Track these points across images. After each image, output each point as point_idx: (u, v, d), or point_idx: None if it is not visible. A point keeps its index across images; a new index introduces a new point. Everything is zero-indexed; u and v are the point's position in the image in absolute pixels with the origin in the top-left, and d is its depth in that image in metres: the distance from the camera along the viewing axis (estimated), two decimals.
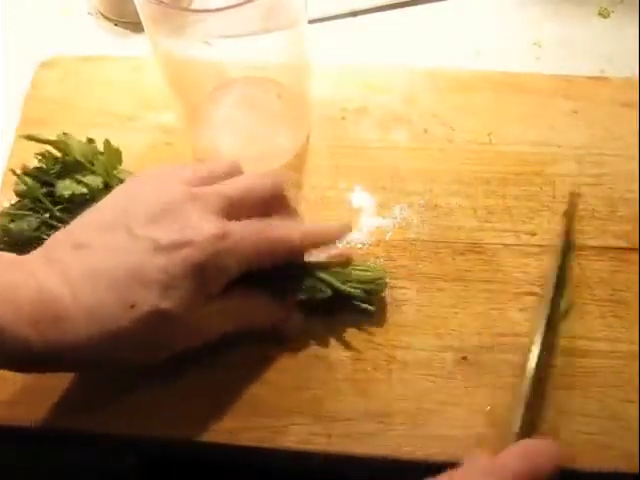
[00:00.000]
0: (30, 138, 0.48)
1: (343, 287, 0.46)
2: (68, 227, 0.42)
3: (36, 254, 0.41)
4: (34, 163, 0.54)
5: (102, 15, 0.65)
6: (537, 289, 0.49)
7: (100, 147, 0.51)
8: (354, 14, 0.65)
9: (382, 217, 0.52)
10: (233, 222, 0.41)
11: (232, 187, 0.43)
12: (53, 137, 0.49)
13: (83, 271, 0.39)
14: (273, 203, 0.45)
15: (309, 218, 0.52)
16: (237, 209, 0.43)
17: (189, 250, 0.39)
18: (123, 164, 0.54)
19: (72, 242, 0.40)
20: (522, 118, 0.56)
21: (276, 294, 0.46)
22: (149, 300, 0.39)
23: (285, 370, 0.47)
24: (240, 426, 0.45)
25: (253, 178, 0.45)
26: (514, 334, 0.48)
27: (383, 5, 0.65)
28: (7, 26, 0.65)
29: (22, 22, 0.65)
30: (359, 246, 0.51)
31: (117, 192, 0.44)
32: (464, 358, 0.47)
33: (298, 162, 0.55)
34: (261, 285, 0.45)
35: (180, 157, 0.55)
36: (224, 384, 0.46)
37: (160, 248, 0.39)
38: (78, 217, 0.42)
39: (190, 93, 0.53)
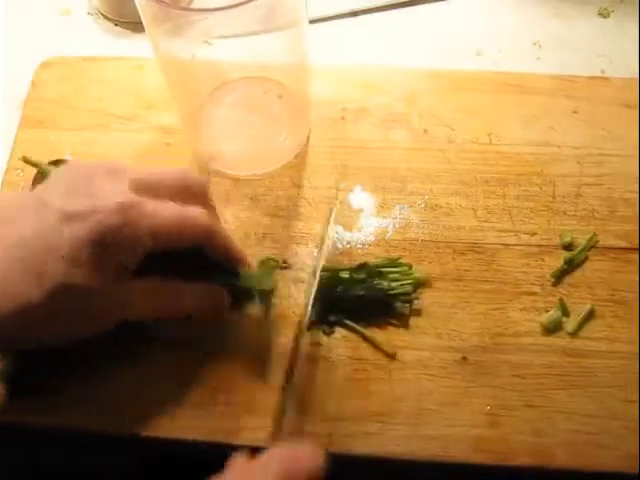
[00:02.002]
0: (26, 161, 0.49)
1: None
2: None
3: None
4: None
5: (102, 15, 0.65)
6: (537, 289, 0.49)
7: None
8: (354, 14, 0.65)
9: (382, 217, 0.52)
10: (145, 198, 0.41)
11: (147, 169, 0.44)
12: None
13: (0, 246, 0.39)
14: (193, 199, 0.44)
15: (309, 218, 0.52)
16: (153, 192, 0.42)
17: (94, 218, 0.39)
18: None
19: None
20: (522, 118, 0.56)
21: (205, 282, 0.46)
22: (57, 271, 0.38)
23: (285, 370, 0.47)
24: (240, 426, 0.45)
25: (168, 168, 0.45)
26: (514, 334, 0.48)
27: (383, 5, 0.65)
28: (7, 26, 0.65)
29: (22, 22, 0.65)
30: (359, 246, 0.51)
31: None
32: (464, 358, 0.47)
33: (298, 162, 0.55)
34: (191, 275, 0.45)
35: (180, 157, 0.55)
36: (224, 384, 0.46)
37: (67, 218, 0.39)
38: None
39: (190, 93, 0.53)
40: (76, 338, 0.42)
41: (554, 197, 0.53)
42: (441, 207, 0.53)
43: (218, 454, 0.45)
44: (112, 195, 0.40)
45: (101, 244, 0.39)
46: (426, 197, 0.53)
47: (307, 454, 0.38)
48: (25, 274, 0.39)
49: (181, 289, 0.44)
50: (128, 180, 0.41)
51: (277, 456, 0.38)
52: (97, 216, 0.39)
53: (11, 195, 0.43)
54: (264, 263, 0.48)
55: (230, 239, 0.46)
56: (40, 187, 0.43)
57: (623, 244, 0.51)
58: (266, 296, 0.47)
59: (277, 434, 0.44)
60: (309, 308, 0.46)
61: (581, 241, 0.51)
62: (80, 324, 0.42)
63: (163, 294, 0.44)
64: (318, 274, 0.47)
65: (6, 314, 0.38)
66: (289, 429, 0.45)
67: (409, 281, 0.49)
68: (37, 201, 0.40)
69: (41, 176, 0.49)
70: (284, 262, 0.50)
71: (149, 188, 0.42)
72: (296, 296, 0.49)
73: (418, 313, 0.49)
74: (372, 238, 0.51)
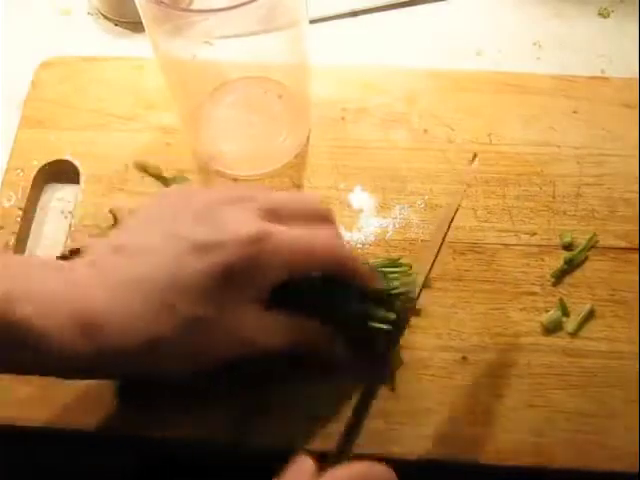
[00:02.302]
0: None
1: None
2: (111, 232, 0.41)
3: (80, 260, 0.40)
4: (34, 163, 0.54)
5: (102, 15, 0.65)
6: (537, 289, 0.49)
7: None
8: (354, 14, 0.65)
9: (382, 217, 0.52)
10: (275, 225, 0.40)
11: (276, 194, 0.43)
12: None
13: (121, 275, 0.38)
14: (318, 221, 0.43)
15: None
16: (282, 218, 0.41)
17: (223, 251, 0.38)
18: (123, 164, 0.55)
19: (113, 246, 0.39)
20: (522, 118, 0.56)
21: (326, 321, 0.44)
22: (186, 304, 0.37)
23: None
24: (244, 427, 0.45)
25: (296, 191, 0.45)
26: (514, 334, 0.48)
27: (383, 5, 0.65)
28: (7, 26, 0.65)
29: (22, 22, 0.65)
30: (359, 246, 0.51)
31: (157, 198, 0.43)
32: (464, 358, 0.47)
33: (298, 162, 0.55)
34: (312, 310, 0.43)
35: (180, 157, 0.55)
36: (224, 384, 0.46)
37: (197, 249, 0.38)
38: (121, 223, 0.41)
39: (190, 93, 0.53)
40: (192, 371, 0.40)
41: (554, 197, 0.53)
42: (441, 207, 0.53)
43: (217, 454, 0.45)
44: (242, 225, 0.39)
45: (233, 277, 0.38)
46: (426, 197, 0.53)
47: (379, 472, 0.37)
48: (155, 306, 0.37)
49: (307, 327, 0.43)
50: (256, 208, 0.40)
51: (347, 474, 0.36)
52: (228, 248, 0.38)
53: (139, 222, 0.41)
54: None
55: (358, 261, 0.44)
56: (148, 208, 0.42)
57: (623, 244, 0.51)
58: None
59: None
60: None
61: (581, 241, 0.51)
62: (203, 358, 0.40)
63: (288, 331, 0.42)
64: None
65: (135, 346, 0.37)
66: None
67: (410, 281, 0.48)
68: (166, 230, 0.39)
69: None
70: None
71: (276, 214, 0.41)
72: None
73: (418, 313, 0.49)
74: (372, 238, 0.52)
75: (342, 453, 0.41)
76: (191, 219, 0.40)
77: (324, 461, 0.38)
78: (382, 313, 0.45)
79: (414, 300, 0.47)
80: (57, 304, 0.37)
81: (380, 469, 0.37)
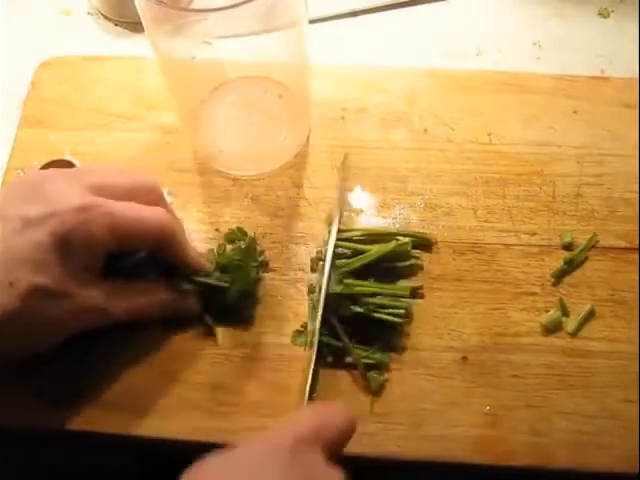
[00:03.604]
0: None
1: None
2: None
3: None
4: (34, 163, 0.54)
5: (102, 15, 0.65)
6: (537, 289, 0.49)
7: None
8: (354, 14, 0.65)
9: (382, 217, 0.52)
10: (103, 198, 0.42)
11: (102, 172, 0.45)
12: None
13: None
14: (149, 200, 0.45)
15: (309, 218, 0.52)
16: (111, 195, 0.43)
17: (53, 221, 0.40)
18: (123, 163, 0.54)
19: None
20: (522, 118, 0.56)
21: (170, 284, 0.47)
22: (25, 276, 0.39)
23: (285, 370, 0.47)
24: (240, 426, 0.45)
25: (124, 170, 0.46)
26: (514, 334, 0.48)
27: (383, 5, 0.65)
28: (7, 26, 0.65)
29: (22, 22, 0.65)
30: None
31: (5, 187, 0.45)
32: (464, 358, 0.47)
33: (298, 162, 0.55)
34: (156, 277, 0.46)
35: (180, 157, 0.55)
36: (224, 384, 0.46)
37: (28, 224, 0.40)
38: None
39: (190, 93, 0.53)
40: (53, 343, 0.43)
41: (554, 197, 0.53)
42: (441, 207, 0.53)
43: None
44: (69, 198, 0.41)
45: (63, 245, 0.40)
46: (426, 197, 0.53)
47: (339, 411, 0.38)
48: None
49: (150, 288, 0.46)
50: (84, 183, 0.42)
51: (307, 413, 0.38)
52: (56, 218, 0.40)
53: None
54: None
55: (188, 243, 0.46)
56: (3, 198, 0.43)
57: (623, 244, 0.51)
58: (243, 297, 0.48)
59: None
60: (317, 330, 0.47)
61: (581, 241, 0.51)
62: (56, 328, 0.42)
63: (130, 297, 0.45)
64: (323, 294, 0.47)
65: None
66: None
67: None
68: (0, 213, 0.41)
69: None
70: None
71: (105, 190, 0.43)
72: (297, 297, 0.49)
73: (418, 312, 0.48)
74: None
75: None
76: (20, 198, 0.42)
77: None
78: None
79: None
80: None
81: (340, 407, 0.39)
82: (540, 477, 0.46)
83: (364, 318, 0.47)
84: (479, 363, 0.47)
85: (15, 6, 0.66)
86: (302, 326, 0.48)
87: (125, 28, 0.65)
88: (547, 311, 0.49)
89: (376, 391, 0.46)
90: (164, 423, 0.45)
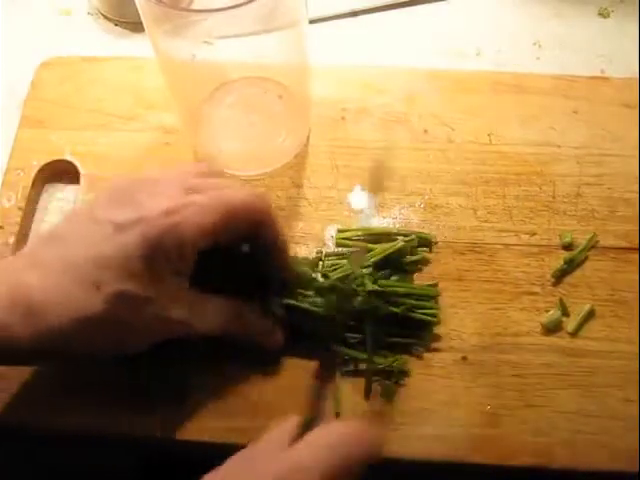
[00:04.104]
0: None
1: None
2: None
3: (21, 251, 0.43)
4: (34, 163, 0.54)
5: (102, 15, 0.65)
6: (537, 289, 0.49)
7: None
8: (354, 14, 0.65)
9: (382, 217, 0.52)
10: (187, 196, 0.41)
11: (188, 171, 0.45)
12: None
13: (52, 261, 0.40)
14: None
15: (309, 218, 0.52)
16: (200, 191, 0.42)
17: (142, 226, 0.39)
18: (123, 164, 0.55)
19: (46, 237, 0.42)
20: (522, 118, 0.56)
21: (262, 308, 0.46)
22: (112, 281, 0.39)
23: (285, 370, 0.47)
24: (240, 426, 0.45)
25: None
26: (514, 334, 0.48)
27: (383, 5, 0.65)
28: (7, 26, 0.65)
29: (22, 22, 0.65)
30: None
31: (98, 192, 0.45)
32: (464, 358, 0.47)
33: (298, 162, 0.55)
34: (248, 297, 0.45)
35: (180, 157, 0.55)
36: (223, 384, 0.46)
37: (117, 228, 0.40)
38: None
39: (190, 93, 0.53)
40: (138, 349, 0.42)
41: (554, 197, 0.53)
42: (441, 207, 0.53)
43: (218, 454, 0.45)
44: (158, 201, 0.40)
45: (153, 250, 0.39)
46: (426, 197, 0.53)
47: (366, 434, 0.37)
48: (82, 285, 0.39)
49: (240, 312, 0.45)
50: (173, 187, 0.42)
51: (330, 434, 0.37)
52: (145, 223, 0.39)
53: (70, 215, 0.44)
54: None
55: (283, 233, 0.45)
56: (87, 203, 0.44)
57: (623, 244, 0.51)
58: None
59: None
60: None
61: (581, 241, 0.51)
62: (140, 334, 0.42)
63: (221, 315, 0.44)
64: None
65: (64, 324, 0.39)
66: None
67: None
68: (86, 216, 0.41)
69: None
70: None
71: (199, 188, 0.42)
72: None
73: None
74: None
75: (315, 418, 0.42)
76: (107, 203, 0.41)
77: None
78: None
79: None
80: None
81: (365, 429, 0.38)
82: (540, 476, 0.45)
83: (392, 320, 0.47)
84: (479, 363, 0.47)
85: (15, 6, 0.66)
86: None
87: (125, 28, 0.65)
88: (547, 311, 0.49)
89: (389, 398, 0.46)
90: (166, 423, 0.45)
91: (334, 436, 0.37)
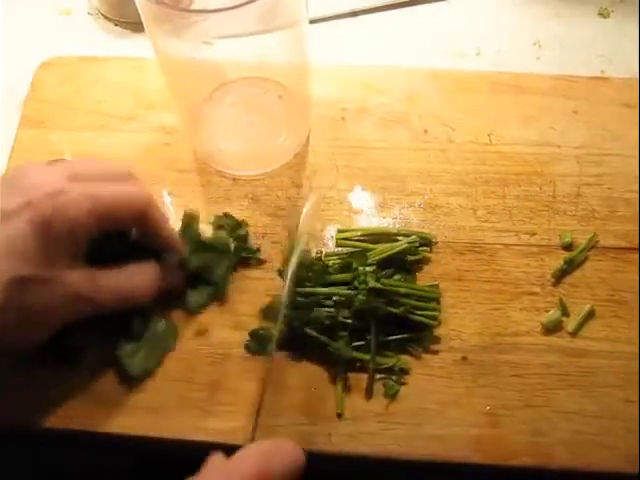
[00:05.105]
0: None
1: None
2: None
3: None
4: None
5: (102, 15, 0.65)
6: (537, 289, 0.49)
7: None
8: (354, 14, 0.65)
9: (382, 217, 0.52)
10: (74, 182, 0.42)
11: (81, 161, 0.45)
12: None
13: None
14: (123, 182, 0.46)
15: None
16: (87, 179, 0.43)
17: (29, 210, 0.40)
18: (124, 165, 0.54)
19: None
20: (522, 118, 0.56)
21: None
22: (6, 268, 0.39)
23: (285, 370, 0.47)
24: (240, 426, 0.45)
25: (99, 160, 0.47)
26: (514, 334, 0.48)
27: (383, 5, 0.65)
28: (7, 26, 0.65)
29: (22, 22, 0.65)
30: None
31: None
32: (464, 358, 0.47)
33: (298, 162, 0.55)
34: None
35: (180, 157, 0.55)
36: (223, 384, 0.46)
37: (6, 216, 0.40)
38: None
39: (190, 93, 0.53)
40: (45, 335, 0.42)
41: (554, 197, 0.53)
42: (441, 207, 0.53)
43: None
44: (45, 184, 0.41)
45: (43, 232, 0.40)
46: (426, 197, 0.53)
47: (286, 450, 0.37)
48: None
49: (134, 270, 0.45)
50: (60, 172, 0.42)
51: (253, 452, 0.37)
52: (32, 207, 0.40)
53: None
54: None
55: (165, 219, 0.46)
56: None
57: (623, 244, 0.51)
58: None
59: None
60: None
61: (581, 241, 0.51)
62: (45, 318, 0.42)
63: (119, 277, 0.44)
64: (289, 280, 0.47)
65: None
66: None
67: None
68: None
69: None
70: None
71: (81, 176, 0.43)
72: None
73: None
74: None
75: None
76: (1, 191, 0.42)
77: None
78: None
79: None
80: None
81: (287, 446, 0.38)
82: (540, 477, 0.46)
83: (393, 320, 0.47)
84: (479, 363, 0.47)
85: (15, 6, 0.66)
86: None
87: (125, 28, 0.65)
88: (547, 311, 0.49)
89: (392, 396, 0.46)
90: (166, 423, 0.45)
91: (256, 449, 0.37)
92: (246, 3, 0.40)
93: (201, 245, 0.49)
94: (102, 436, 0.46)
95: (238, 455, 0.37)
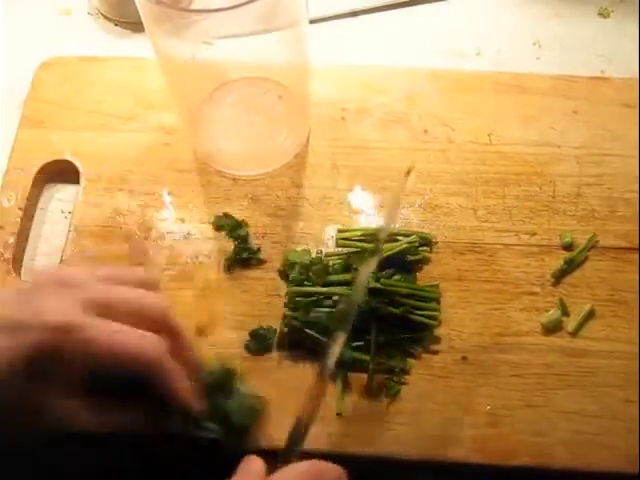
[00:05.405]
0: None
1: None
2: None
3: None
4: (34, 163, 0.54)
5: (102, 15, 0.65)
6: (537, 289, 0.49)
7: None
8: (354, 14, 0.65)
9: (382, 217, 0.52)
10: (93, 318, 0.39)
11: (105, 286, 0.41)
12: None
13: None
14: (151, 322, 0.41)
15: (309, 218, 0.52)
16: (110, 309, 0.40)
17: (28, 334, 0.38)
18: (123, 164, 0.55)
19: None
20: (522, 118, 0.56)
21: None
22: None
23: (285, 370, 0.47)
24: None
25: (132, 280, 0.42)
26: (514, 334, 0.48)
27: (383, 5, 0.65)
28: (7, 26, 0.65)
29: (22, 22, 0.65)
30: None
31: None
32: (464, 358, 0.47)
33: (298, 162, 0.55)
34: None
35: (180, 157, 0.55)
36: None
37: (8, 327, 0.38)
38: None
39: (190, 93, 0.53)
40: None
41: (554, 197, 0.53)
42: (441, 207, 0.53)
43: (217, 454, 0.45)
44: (55, 312, 0.38)
45: (35, 361, 0.38)
46: (426, 197, 0.53)
47: (333, 472, 0.37)
48: None
49: (130, 408, 0.42)
50: (79, 297, 0.39)
51: (300, 472, 0.37)
52: (33, 332, 0.38)
53: None
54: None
55: (179, 381, 0.41)
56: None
57: (623, 244, 0.51)
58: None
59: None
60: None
61: (581, 241, 0.51)
62: (16, 439, 0.40)
63: (110, 410, 0.41)
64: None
65: None
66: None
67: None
68: None
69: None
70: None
71: (101, 307, 0.40)
72: None
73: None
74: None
75: (291, 452, 0.40)
76: (13, 297, 0.40)
77: (274, 461, 0.38)
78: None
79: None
80: None
81: (329, 467, 0.37)
82: (540, 477, 0.45)
83: (393, 320, 0.47)
84: (479, 363, 0.47)
85: (15, 6, 0.66)
86: None
87: (125, 28, 0.65)
88: (547, 311, 0.49)
89: (393, 396, 0.46)
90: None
91: (300, 470, 0.37)
92: (246, 3, 0.40)
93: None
94: (102, 436, 0.45)
95: (283, 472, 0.37)
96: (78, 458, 0.48)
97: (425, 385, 0.46)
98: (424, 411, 0.46)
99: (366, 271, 0.45)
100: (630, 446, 0.44)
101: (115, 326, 0.39)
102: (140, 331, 0.40)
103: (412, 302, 0.47)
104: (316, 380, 0.42)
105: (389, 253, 0.49)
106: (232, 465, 0.38)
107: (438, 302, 0.49)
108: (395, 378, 0.46)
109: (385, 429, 0.45)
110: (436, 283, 0.49)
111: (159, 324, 0.41)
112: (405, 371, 0.47)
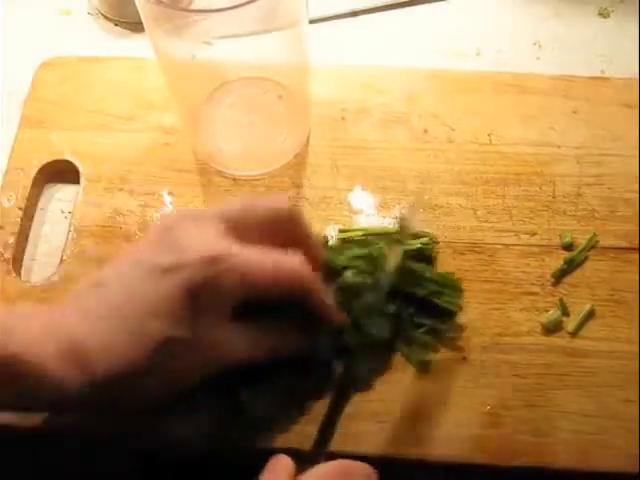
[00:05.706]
0: None
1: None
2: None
3: (67, 298, 0.42)
4: (34, 163, 0.54)
5: (102, 15, 0.65)
6: (537, 289, 0.49)
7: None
8: (354, 14, 0.65)
9: (382, 217, 0.52)
10: (236, 244, 0.40)
11: (235, 207, 0.43)
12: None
13: (99, 309, 0.39)
14: (290, 233, 0.43)
15: (309, 218, 0.52)
16: (248, 230, 0.41)
17: (182, 273, 0.39)
18: (123, 164, 0.55)
19: (92, 282, 0.41)
20: (522, 118, 0.56)
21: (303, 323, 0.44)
22: (155, 328, 0.38)
23: None
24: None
25: (262, 199, 0.44)
26: (514, 334, 0.48)
27: (383, 5, 0.65)
28: (7, 26, 0.65)
29: (22, 22, 0.65)
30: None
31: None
32: (464, 358, 0.47)
33: (298, 162, 0.55)
34: (287, 314, 0.43)
35: (180, 157, 0.55)
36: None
37: (157, 274, 0.39)
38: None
39: (190, 93, 0.53)
40: (179, 393, 0.42)
41: (554, 197, 0.53)
42: (441, 207, 0.53)
43: (217, 454, 0.45)
44: (201, 246, 0.39)
45: (192, 298, 0.39)
46: (426, 197, 0.53)
47: (362, 470, 0.38)
48: (127, 335, 0.39)
49: (281, 332, 0.43)
50: (215, 226, 0.41)
51: (328, 471, 0.37)
52: (185, 271, 0.39)
53: (118, 257, 0.43)
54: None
55: (325, 294, 0.43)
56: (133, 246, 0.43)
57: (623, 244, 0.51)
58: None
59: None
60: None
61: (581, 241, 0.51)
62: (186, 378, 0.41)
63: (263, 339, 0.43)
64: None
65: (112, 376, 0.38)
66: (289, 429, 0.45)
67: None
68: (130, 260, 0.41)
69: None
70: None
71: (239, 230, 0.41)
72: None
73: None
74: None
75: (319, 452, 0.41)
76: (152, 243, 0.41)
77: (301, 461, 0.39)
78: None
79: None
80: (44, 337, 0.38)
81: (358, 465, 0.38)
82: (541, 477, 0.45)
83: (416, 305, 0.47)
84: (479, 363, 0.47)
85: (15, 6, 0.66)
86: None
87: (125, 28, 0.65)
88: (547, 311, 0.49)
89: (421, 368, 0.47)
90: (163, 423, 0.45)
91: (329, 469, 0.38)
92: (246, 3, 0.40)
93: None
94: (102, 436, 0.45)
95: (314, 472, 0.37)
96: (78, 458, 0.48)
97: (425, 385, 0.46)
98: (424, 411, 0.46)
99: (394, 258, 0.45)
100: (630, 446, 0.44)
101: (260, 251, 0.41)
102: (287, 252, 0.41)
103: (436, 288, 0.48)
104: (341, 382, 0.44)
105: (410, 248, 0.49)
106: (260, 464, 0.38)
107: (460, 290, 0.49)
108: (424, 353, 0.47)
109: (385, 429, 0.45)
110: (452, 272, 0.49)
111: (296, 234, 0.43)
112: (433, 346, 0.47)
